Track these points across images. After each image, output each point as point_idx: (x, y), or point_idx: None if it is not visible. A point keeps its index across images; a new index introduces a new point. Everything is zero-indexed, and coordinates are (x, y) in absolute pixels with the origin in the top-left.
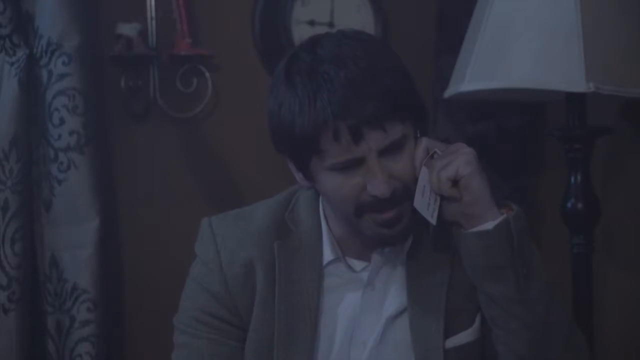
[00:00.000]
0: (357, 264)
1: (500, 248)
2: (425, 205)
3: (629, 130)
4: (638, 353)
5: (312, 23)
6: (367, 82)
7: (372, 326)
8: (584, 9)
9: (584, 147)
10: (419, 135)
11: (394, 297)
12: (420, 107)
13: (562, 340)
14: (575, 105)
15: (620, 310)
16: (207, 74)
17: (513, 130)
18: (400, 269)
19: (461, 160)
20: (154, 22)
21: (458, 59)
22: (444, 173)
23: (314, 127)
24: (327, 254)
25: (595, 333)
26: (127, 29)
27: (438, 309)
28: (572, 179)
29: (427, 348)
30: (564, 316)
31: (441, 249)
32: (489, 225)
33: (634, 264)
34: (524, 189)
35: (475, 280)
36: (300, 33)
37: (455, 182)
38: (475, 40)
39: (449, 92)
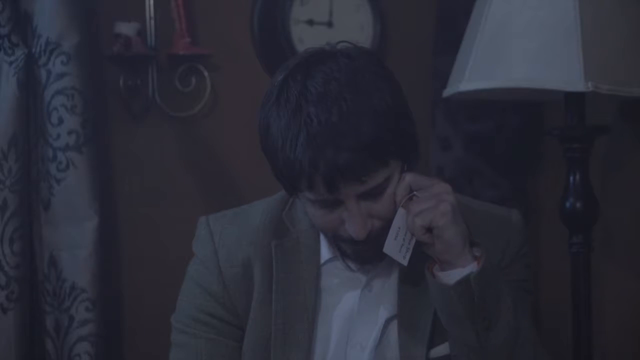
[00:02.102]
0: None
1: (459, 301)
2: (397, 247)
3: (628, 129)
4: (636, 352)
5: (310, 22)
6: (347, 133)
7: (369, 328)
8: (583, 8)
9: (582, 147)
10: (405, 169)
11: (389, 299)
12: (409, 144)
13: None
14: (574, 105)
15: (618, 309)
16: (206, 73)
17: (512, 129)
18: (395, 273)
19: (438, 212)
20: (152, 21)
21: (457, 58)
22: (419, 221)
23: (291, 170)
24: (325, 253)
25: (594, 332)
26: (126, 29)
27: (426, 316)
28: (571, 179)
29: (412, 355)
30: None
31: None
32: (451, 278)
33: (633, 264)
34: (522, 188)
35: (441, 319)
36: (299, 32)
37: (429, 229)
38: (474, 39)
39: (447, 92)
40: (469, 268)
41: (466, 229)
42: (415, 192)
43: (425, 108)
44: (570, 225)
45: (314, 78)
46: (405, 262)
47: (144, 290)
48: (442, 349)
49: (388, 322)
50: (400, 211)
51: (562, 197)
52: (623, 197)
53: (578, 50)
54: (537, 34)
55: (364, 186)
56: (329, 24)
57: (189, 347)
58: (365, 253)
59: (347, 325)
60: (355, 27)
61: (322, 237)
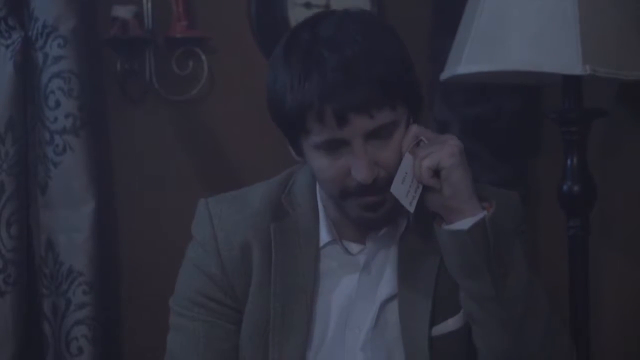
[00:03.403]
0: (354, 247)
1: (475, 248)
2: (404, 192)
3: (626, 113)
4: (634, 335)
5: (308, 5)
6: (358, 68)
7: (366, 310)
8: None
9: (580, 130)
10: (411, 122)
11: (388, 281)
12: (415, 94)
13: (541, 338)
14: (572, 88)
15: (616, 292)
16: (203, 57)
17: (510, 112)
18: (394, 253)
19: (445, 152)
20: (149, 4)
21: (455, 41)
22: (426, 162)
23: (300, 106)
24: (324, 236)
25: (592, 315)
26: (123, 12)
27: (427, 294)
28: (569, 162)
29: (414, 335)
30: (543, 313)
31: (432, 234)
32: (465, 224)
33: (630, 247)
34: (520, 171)
35: (454, 276)
36: (297, 15)
37: (437, 173)
38: (472, 22)
39: (445, 75)
40: (480, 215)
41: (473, 176)
42: (422, 138)
43: (423, 92)
44: (567, 208)
45: (325, 25)
46: (411, 209)
47: (141, 273)
48: (443, 327)
49: (385, 303)
50: (407, 157)
51: (560, 180)
52: (620, 180)
53: (576, 33)
54: (535, 17)
55: (372, 122)
56: (327, 7)
57: (187, 329)
58: (373, 208)
59: (346, 308)
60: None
61: (321, 220)
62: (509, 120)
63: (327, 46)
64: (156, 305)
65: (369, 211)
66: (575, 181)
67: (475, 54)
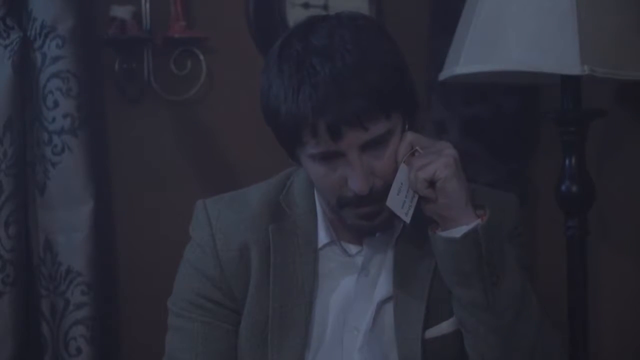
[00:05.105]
0: (352, 248)
1: (468, 256)
2: (400, 203)
3: (624, 113)
4: (632, 335)
5: (306, 5)
6: (351, 80)
7: (364, 312)
8: None
9: (578, 130)
10: (406, 128)
11: (384, 282)
12: (410, 100)
13: (531, 346)
14: (570, 88)
15: (614, 292)
16: (201, 57)
17: (508, 113)
18: (391, 255)
19: (440, 163)
20: (147, 4)
21: (453, 42)
22: (421, 174)
23: (294, 120)
24: (322, 237)
25: (590, 316)
26: (121, 12)
27: (421, 297)
28: (567, 162)
29: (407, 337)
30: (534, 321)
31: (428, 238)
32: (458, 232)
33: (629, 247)
34: (518, 171)
35: (446, 282)
36: (295, 15)
37: (432, 183)
38: (470, 22)
39: (443, 75)
40: (473, 224)
41: (469, 185)
42: (417, 148)
43: (421, 92)
44: (566, 208)
45: (317, 33)
46: (407, 219)
47: (140, 273)
48: (437, 330)
49: (382, 304)
50: (402, 167)
51: (558, 181)
52: (619, 180)
53: (574, 33)
54: (534, 17)
55: (367, 135)
56: (325, 7)
57: (185, 330)
58: (369, 217)
59: (344, 310)
60: (351, 10)
61: (319, 221)
62: (508, 120)
63: (319, 57)
64: (155, 305)
65: (364, 220)
66: (573, 181)
67: (473, 54)
